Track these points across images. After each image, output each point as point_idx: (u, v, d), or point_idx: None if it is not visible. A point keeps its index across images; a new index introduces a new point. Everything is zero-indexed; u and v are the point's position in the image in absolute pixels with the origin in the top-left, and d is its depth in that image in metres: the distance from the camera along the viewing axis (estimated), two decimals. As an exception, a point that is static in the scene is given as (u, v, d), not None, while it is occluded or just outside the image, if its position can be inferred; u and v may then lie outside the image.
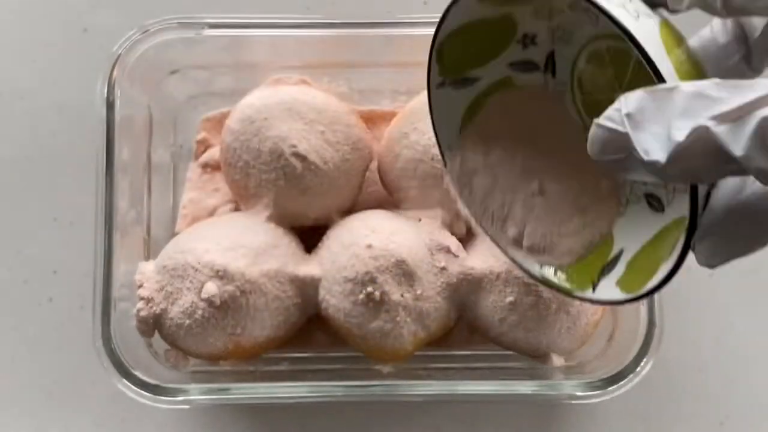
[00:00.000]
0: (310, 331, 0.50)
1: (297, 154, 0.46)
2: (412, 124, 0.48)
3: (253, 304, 0.45)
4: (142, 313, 0.45)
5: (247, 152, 0.47)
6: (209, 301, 0.44)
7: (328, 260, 0.46)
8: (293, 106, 0.47)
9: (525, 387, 0.46)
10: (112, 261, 0.46)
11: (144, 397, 0.45)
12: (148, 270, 0.46)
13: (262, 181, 0.47)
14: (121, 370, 0.45)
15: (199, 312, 0.44)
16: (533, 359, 0.48)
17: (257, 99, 0.47)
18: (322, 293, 0.46)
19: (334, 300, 0.46)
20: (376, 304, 0.44)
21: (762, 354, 0.54)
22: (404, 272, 0.45)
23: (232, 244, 0.45)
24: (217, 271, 0.44)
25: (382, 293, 0.44)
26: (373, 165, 0.51)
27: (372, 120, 0.54)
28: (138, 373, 0.45)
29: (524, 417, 0.54)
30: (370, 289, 0.44)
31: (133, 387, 0.45)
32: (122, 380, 0.45)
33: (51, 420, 0.54)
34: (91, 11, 0.57)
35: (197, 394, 0.45)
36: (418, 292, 0.45)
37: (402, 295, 0.45)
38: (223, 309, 0.44)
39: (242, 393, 0.46)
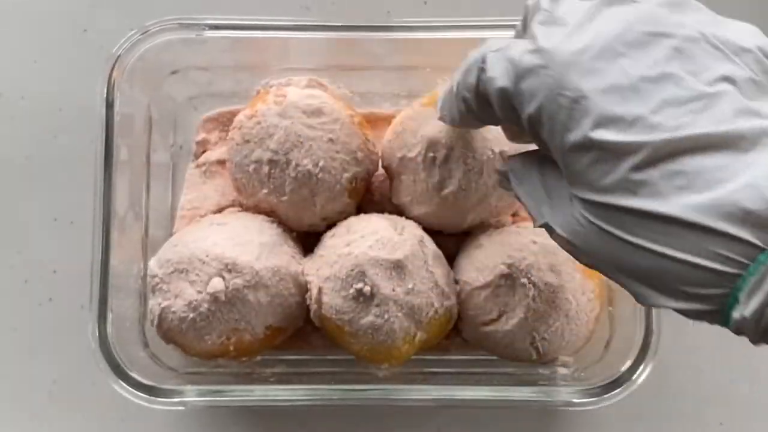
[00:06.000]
0: (308, 334, 0.50)
1: (301, 163, 0.46)
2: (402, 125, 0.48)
3: (257, 299, 0.45)
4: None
5: (254, 155, 0.47)
6: (215, 297, 0.44)
7: (321, 259, 0.46)
8: (302, 112, 0.47)
9: (522, 393, 0.46)
10: (110, 261, 0.46)
11: (139, 398, 0.45)
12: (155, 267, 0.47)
13: (266, 184, 0.47)
14: (117, 371, 0.45)
15: (205, 305, 0.44)
16: (534, 363, 0.48)
17: (269, 105, 0.47)
18: (316, 294, 0.46)
19: (326, 297, 0.45)
20: (367, 299, 0.44)
21: (761, 355, 0.54)
22: (395, 266, 0.45)
23: (239, 240, 0.46)
24: (226, 264, 0.45)
25: (373, 287, 0.44)
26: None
27: (372, 122, 0.54)
28: (134, 375, 0.45)
29: (525, 420, 0.53)
30: (360, 285, 0.44)
31: (128, 388, 0.45)
32: (118, 381, 0.45)
33: (51, 420, 0.54)
34: (91, 12, 0.57)
35: (193, 395, 0.46)
36: (410, 286, 0.45)
37: (393, 290, 0.45)
38: (229, 303, 0.44)
39: (238, 395, 0.46)
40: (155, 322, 0.46)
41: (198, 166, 0.54)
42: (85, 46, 0.56)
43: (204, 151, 0.54)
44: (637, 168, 0.29)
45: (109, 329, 0.45)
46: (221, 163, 0.53)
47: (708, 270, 0.28)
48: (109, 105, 0.46)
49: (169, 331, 0.46)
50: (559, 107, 0.31)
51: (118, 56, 0.47)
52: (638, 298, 0.31)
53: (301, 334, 0.50)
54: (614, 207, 0.30)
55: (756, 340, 0.28)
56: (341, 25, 0.48)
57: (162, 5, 0.55)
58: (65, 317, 0.54)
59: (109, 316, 0.45)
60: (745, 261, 0.27)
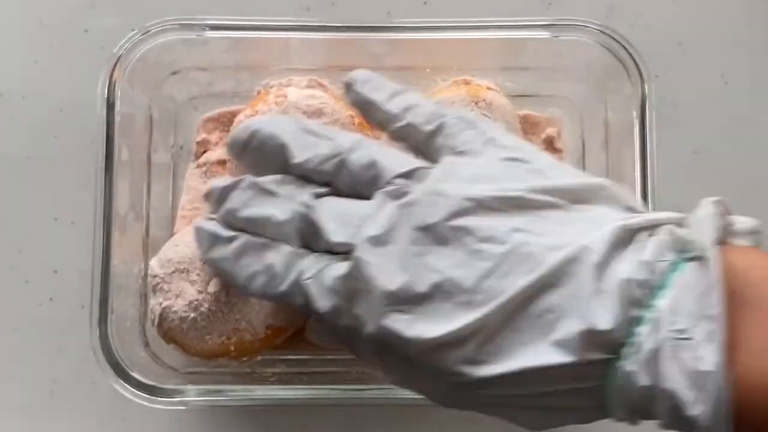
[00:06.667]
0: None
1: None
2: None
3: (258, 299, 0.45)
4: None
5: None
6: (215, 296, 0.44)
7: None
8: (302, 113, 0.47)
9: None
10: (110, 261, 0.46)
11: (140, 398, 0.45)
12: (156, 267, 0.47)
13: None
14: (117, 370, 0.45)
15: (205, 305, 0.44)
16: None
17: (269, 105, 0.47)
18: None
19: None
20: None
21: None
22: None
23: None
24: None
25: None
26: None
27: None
28: (135, 374, 0.45)
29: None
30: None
31: (129, 388, 0.45)
32: (119, 381, 0.45)
33: (51, 420, 0.54)
34: (91, 12, 0.57)
35: (194, 395, 0.46)
36: None
37: None
38: (229, 302, 0.45)
39: (238, 395, 0.46)
40: (156, 322, 0.46)
41: (198, 166, 0.54)
42: (86, 46, 0.56)
43: (204, 152, 0.54)
44: (484, 343, 0.32)
45: (109, 329, 0.45)
46: (222, 163, 0.53)
47: (575, 392, 0.32)
48: (110, 105, 0.46)
49: (170, 330, 0.46)
50: (391, 322, 0.33)
51: (119, 56, 0.47)
52: (526, 427, 0.35)
53: (301, 334, 0.50)
54: (478, 380, 0.32)
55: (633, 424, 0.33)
56: (341, 26, 0.48)
57: (163, 5, 0.55)
58: (65, 317, 0.54)
59: (110, 316, 0.45)
60: (602, 373, 0.31)
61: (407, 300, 0.33)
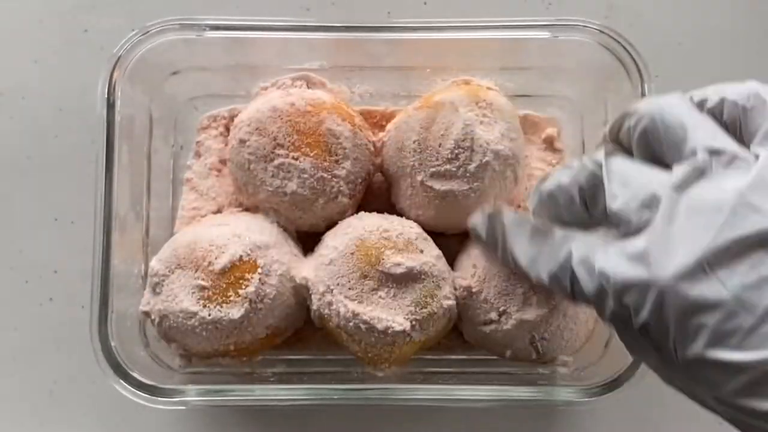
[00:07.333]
0: (308, 334, 0.50)
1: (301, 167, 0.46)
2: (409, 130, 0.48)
3: (260, 298, 0.45)
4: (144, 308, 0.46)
5: (254, 155, 0.47)
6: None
7: (321, 258, 0.46)
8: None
9: (522, 393, 0.45)
10: (110, 261, 0.46)
11: (140, 398, 0.45)
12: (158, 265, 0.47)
13: (267, 185, 0.47)
14: (118, 370, 0.45)
15: (206, 305, 0.45)
16: (534, 363, 0.48)
17: (267, 105, 0.48)
18: (316, 294, 0.46)
19: (326, 297, 0.45)
20: (367, 299, 0.44)
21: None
22: None
23: (242, 238, 0.46)
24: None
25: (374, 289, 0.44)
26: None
27: (371, 119, 0.54)
28: (135, 374, 0.45)
29: (525, 419, 0.53)
30: (359, 285, 0.44)
31: (129, 388, 0.45)
32: (119, 381, 0.45)
33: (51, 420, 0.54)
34: (91, 12, 0.57)
35: (193, 395, 0.46)
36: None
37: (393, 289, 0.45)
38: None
39: (238, 395, 0.46)
40: (156, 322, 0.46)
41: (198, 166, 0.53)
42: (86, 46, 0.56)
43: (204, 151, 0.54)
44: (756, 383, 0.29)
45: (109, 329, 0.45)
46: (222, 163, 0.53)
47: None
48: (110, 105, 0.46)
49: (170, 330, 0.46)
50: (669, 323, 0.31)
51: (119, 57, 0.47)
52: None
53: (301, 334, 0.50)
54: (737, 406, 0.30)
55: None
56: (341, 26, 0.48)
57: (162, 5, 0.55)
58: (65, 317, 0.54)
59: (110, 315, 0.45)
60: None
61: (703, 312, 0.30)
